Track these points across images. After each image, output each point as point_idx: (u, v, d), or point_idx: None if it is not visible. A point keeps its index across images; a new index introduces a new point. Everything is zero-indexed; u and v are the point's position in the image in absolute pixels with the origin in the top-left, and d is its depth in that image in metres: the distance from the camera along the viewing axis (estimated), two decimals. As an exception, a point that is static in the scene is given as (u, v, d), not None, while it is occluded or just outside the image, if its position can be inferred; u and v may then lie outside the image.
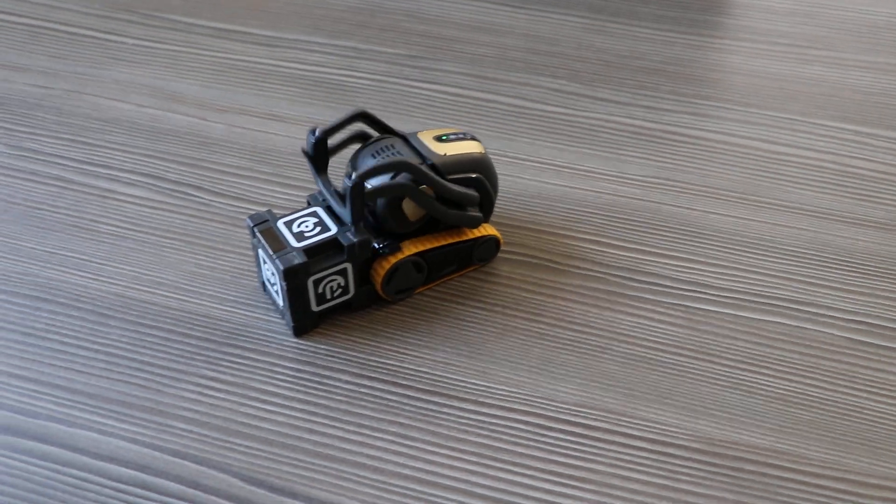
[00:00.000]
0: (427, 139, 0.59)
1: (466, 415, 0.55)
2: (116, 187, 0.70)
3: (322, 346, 0.59)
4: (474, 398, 0.56)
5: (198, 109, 0.78)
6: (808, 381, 0.56)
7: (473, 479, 0.52)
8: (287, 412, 0.55)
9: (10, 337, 0.59)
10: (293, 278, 0.56)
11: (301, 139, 0.74)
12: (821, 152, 0.73)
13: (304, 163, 0.72)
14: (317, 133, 0.58)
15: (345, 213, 0.57)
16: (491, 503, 0.51)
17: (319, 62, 0.83)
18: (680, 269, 0.63)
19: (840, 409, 0.55)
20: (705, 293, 0.62)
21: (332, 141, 0.71)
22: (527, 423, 0.54)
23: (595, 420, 0.54)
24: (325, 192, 0.58)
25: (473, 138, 0.61)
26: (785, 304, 0.61)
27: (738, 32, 0.85)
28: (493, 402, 0.55)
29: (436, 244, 0.60)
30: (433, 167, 0.58)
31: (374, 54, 0.83)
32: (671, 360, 0.58)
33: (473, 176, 0.59)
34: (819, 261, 0.64)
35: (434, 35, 0.86)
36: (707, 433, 0.54)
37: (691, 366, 0.57)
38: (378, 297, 0.61)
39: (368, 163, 0.58)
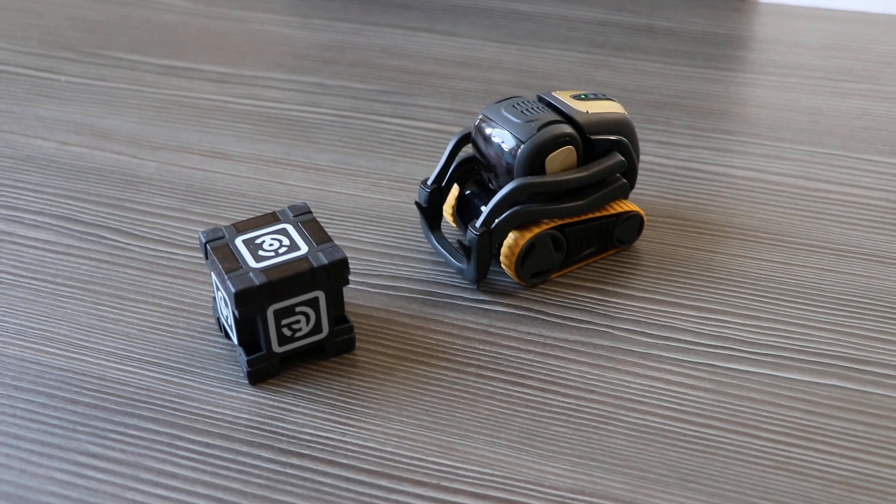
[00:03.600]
0: (565, 97, 0.54)
1: (423, 503, 0.41)
2: (16, 229, 0.58)
3: (242, 416, 0.45)
4: (435, 482, 0.42)
5: (129, 147, 0.66)
6: (879, 460, 0.42)
7: (428, 591, 0.38)
8: (185, 498, 0.41)
9: None
10: (246, 304, 0.44)
11: (246, 177, 0.62)
12: (868, 189, 0.60)
13: (246, 203, 0.60)
14: (429, 182, 0.54)
15: (468, 269, 0.52)
16: None
17: (276, 98, 0.71)
18: (703, 321, 0.50)
19: (924, 496, 0.41)
20: (737, 350, 0.48)
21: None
22: (503, 514, 0.41)
23: (595, 511, 0.41)
24: (440, 250, 0.53)
25: (611, 99, 0.55)
26: (840, 364, 0.47)
27: (762, 66, 0.74)
28: (461, 486, 0.42)
29: (576, 217, 0.52)
30: (576, 125, 0.52)
31: (340, 90, 0.72)
32: (695, 434, 0.44)
33: (615, 139, 0.53)
34: (879, 312, 0.50)
35: (410, 70, 0.75)
36: (747, 529, 0.40)
37: (722, 440, 0.44)
38: (351, 343, 0.48)
39: (506, 120, 0.51)
